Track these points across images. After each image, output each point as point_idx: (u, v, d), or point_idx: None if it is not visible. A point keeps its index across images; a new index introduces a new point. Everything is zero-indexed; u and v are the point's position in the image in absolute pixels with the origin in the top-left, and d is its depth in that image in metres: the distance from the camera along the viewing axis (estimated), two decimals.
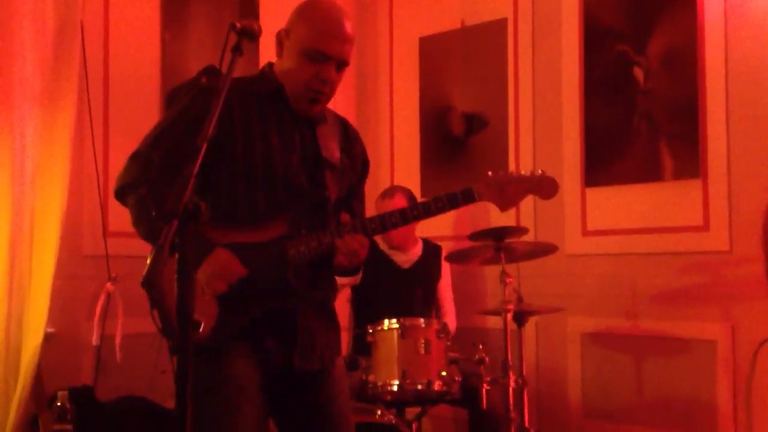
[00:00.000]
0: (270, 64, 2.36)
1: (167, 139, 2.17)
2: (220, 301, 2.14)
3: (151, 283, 1.43)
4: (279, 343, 2.22)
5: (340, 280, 2.52)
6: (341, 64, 2.25)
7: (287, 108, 2.27)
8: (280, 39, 2.29)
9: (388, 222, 2.28)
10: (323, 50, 2.20)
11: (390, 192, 4.13)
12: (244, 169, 2.20)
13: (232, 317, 2.15)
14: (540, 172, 2.44)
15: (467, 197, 2.31)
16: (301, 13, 2.27)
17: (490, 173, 2.38)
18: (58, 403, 3.22)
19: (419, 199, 4.25)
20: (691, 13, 3.84)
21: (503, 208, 2.38)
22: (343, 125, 2.46)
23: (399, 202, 3.99)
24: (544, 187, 2.44)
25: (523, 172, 2.44)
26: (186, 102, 2.22)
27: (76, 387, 3.52)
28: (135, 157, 2.20)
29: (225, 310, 2.14)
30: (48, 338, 3.43)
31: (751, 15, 3.70)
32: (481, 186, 2.34)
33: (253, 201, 2.20)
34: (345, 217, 2.35)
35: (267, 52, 4.19)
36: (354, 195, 2.46)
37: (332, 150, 2.34)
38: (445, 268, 4.23)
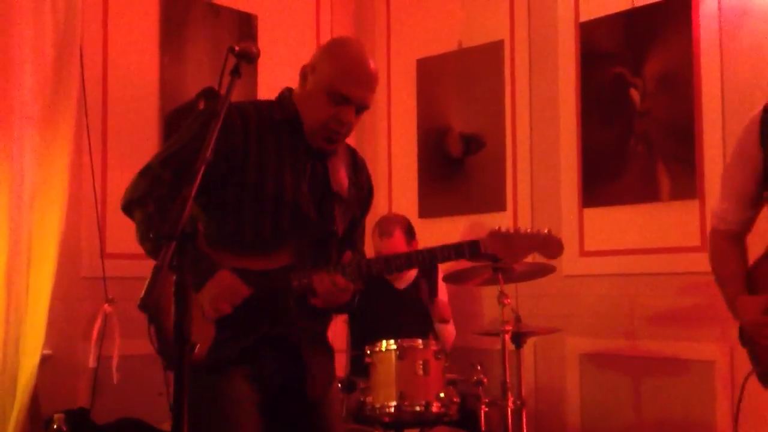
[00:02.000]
0: (289, 90, 2.35)
1: (178, 158, 2.17)
2: (218, 324, 2.14)
3: (147, 305, 1.44)
4: (277, 368, 2.23)
5: None
6: (361, 109, 2.26)
7: (301, 138, 2.28)
8: (305, 73, 2.29)
9: (393, 264, 2.31)
10: (346, 94, 2.20)
11: (388, 230, 4.06)
12: (254, 192, 2.21)
13: (230, 341, 2.15)
14: (546, 231, 2.45)
15: (473, 250, 2.34)
16: (330, 52, 2.27)
17: (497, 227, 2.39)
18: (55, 426, 3.21)
19: (417, 220, 4.26)
20: (687, 35, 3.87)
21: (508, 263, 2.41)
22: (352, 154, 2.48)
23: (398, 239, 4.00)
24: (550, 247, 2.46)
25: (529, 230, 2.45)
26: (200, 122, 2.21)
27: (73, 409, 3.51)
28: (144, 173, 2.21)
29: (222, 334, 2.14)
30: (45, 360, 3.42)
31: (746, 36, 3.72)
32: (488, 239, 2.36)
33: (260, 226, 2.21)
34: (347, 255, 2.34)
35: (265, 75, 4.26)
36: (356, 226, 2.47)
37: (341, 182, 2.35)
38: (442, 286, 4.22)
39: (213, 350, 2.13)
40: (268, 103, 2.34)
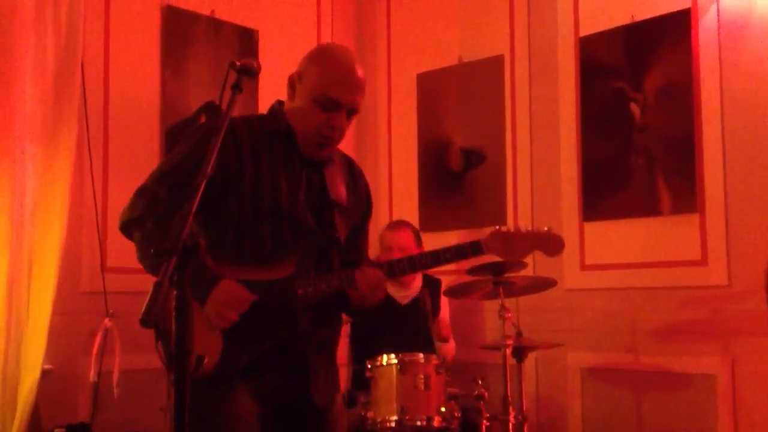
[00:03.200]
0: (280, 103, 2.36)
1: (174, 176, 2.18)
2: (225, 336, 2.14)
3: (149, 321, 1.44)
4: (280, 380, 2.23)
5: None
6: (351, 112, 2.27)
7: (295, 148, 2.29)
8: (293, 82, 2.30)
9: (396, 269, 2.31)
10: (336, 98, 2.21)
11: (397, 225, 4.18)
12: (251, 206, 2.21)
13: (237, 353, 2.15)
14: (547, 229, 2.45)
15: (475, 250, 2.34)
16: (315, 59, 2.28)
17: (498, 227, 2.40)
18: None
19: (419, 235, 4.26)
20: (686, 49, 3.88)
21: (509, 262, 2.41)
22: (349, 163, 2.48)
23: (404, 234, 4.02)
24: (551, 244, 2.45)
25: (530, 228, 2.45)
26: (195, 139, 2.23)
27: (73, 424, 3.50)
28: (141, 193, 2.21)
29: (230, 346, 2.15)
30: (45, 375, 3.41)
31: (746, 50, 3.74)
32: (489, 239, 2.36)
33: (260, 239, 2.21)
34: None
35: (266, 90, 4.27)
36: (358, 233, 2.47)
37: (339, 191, 2.35)
38: (444, 302, 4.22)
39: (221, 363, 2.13)
40: (259, 117, 2.36)
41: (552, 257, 2.47)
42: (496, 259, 3.64)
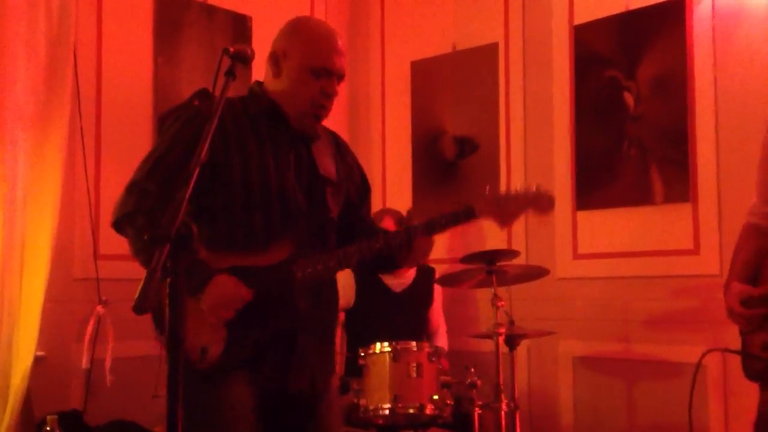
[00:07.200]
0: (259, 83, 2.36)
1: (162, 168, 2.17)
2: (228, 326, 2.13)
3: (142, 308, 1.43)
4: (276, 366, 2.22)
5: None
6: (340, 78, 2.30)
7: (282, 127, 2.29)
8: (277, 59, 2.30)
9: (393, 241, 2.28)
10: (327, 66, 2.25)
11: (378, 216, 4.14)
12: (240, 191, 2.20)
13: (242, 342, 2.15)
14: (536, 187, 2.44)
15: (468, 214, 2.31)
16: (296, 32, 2.30)
17: (488, 190, 2.38)
18: (47, 428, 3.18)
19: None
20: (681, 39, 3.88)
21: (502, 224, 2.38)
22: (334, 138, 2.49)
23: (387, 225, 4.01)
24: (542, 202, 2.43)
25: (520, 189, 2.44)
26: (178, 127, 2.21)
27: (66, 411, 3.49)
28: (131, 188, 2.20)
29: (234, 336, 2.14)
30: (37, 362, 3.41)
31: (739, 41, 3.74)
32: (481, 203, 2.33)
33: (251, 224, 2.20)
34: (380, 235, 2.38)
35: (259, 76, 4.23)
36: (362, 205, 2.50)
37: (328, 166, 2.36)
38: (437, 291, 4.23)
39: (225, 353, 2.13)
40: (240, 99, 2.35)
41: (543, 215, 2.46)
42: (489, 247, 3.68)
